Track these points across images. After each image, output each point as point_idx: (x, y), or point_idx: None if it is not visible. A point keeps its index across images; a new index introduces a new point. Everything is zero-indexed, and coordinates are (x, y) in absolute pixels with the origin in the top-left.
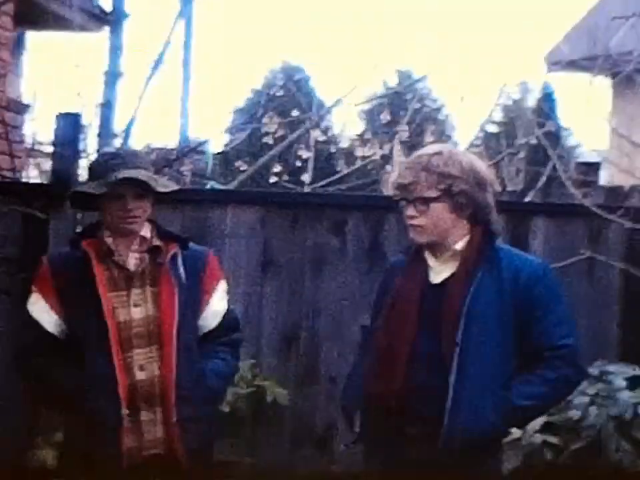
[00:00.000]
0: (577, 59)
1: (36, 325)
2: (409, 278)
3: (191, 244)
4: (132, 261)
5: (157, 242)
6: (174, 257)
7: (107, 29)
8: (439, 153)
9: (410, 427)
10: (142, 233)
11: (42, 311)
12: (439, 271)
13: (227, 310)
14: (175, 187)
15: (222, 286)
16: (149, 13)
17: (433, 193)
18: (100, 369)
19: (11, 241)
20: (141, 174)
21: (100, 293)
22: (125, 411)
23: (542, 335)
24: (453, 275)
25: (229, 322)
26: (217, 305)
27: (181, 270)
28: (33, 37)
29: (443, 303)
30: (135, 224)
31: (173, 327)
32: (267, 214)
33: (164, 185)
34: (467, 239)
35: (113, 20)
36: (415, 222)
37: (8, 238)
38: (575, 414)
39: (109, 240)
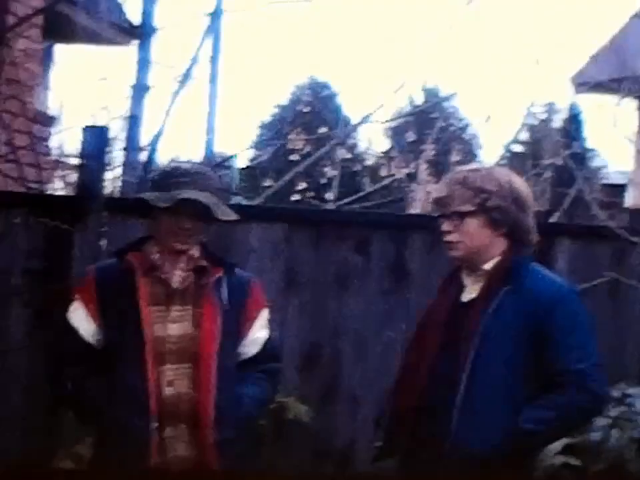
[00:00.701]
0: (604, 80)
1: (74, 332)
2: (443, 296)
3: (237, 269)
4: (176, 278)
5: (203, 262)
6: (219, 280)
7: (135, 42)
8: (476, 170)
9: (422, 444)
10: (190, 252)
11: (81, 319)
12: (470, 290)
13: (268, 339)
14: (235, 217)
15: (264, 314)
16: (177, 28)
17: (467, 207)
18: (133, 381)
19: (36, 253)
20: (205, 197)
21: (140, 305)
22: (154, 425)
23: (556, 359)
24: (479, 293)
25: (268, 351)
26: (257, 333)
27: (225, 294)
28: (60, 50)
29: (463, 323)
30: (186, 244)
31: (213, 348)
32: (291, 230)
33: (225, 213)
34: (497, 259)
35: (141, 34)
36: (450, 237)
37: (33, 250)
38: (596, 436)
39: (156, 255)
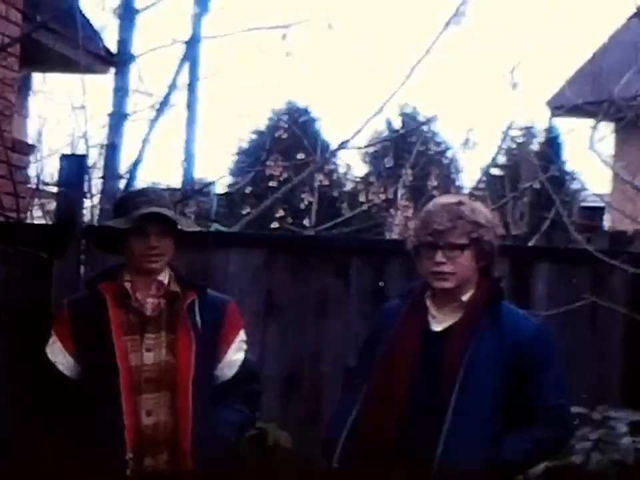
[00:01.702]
0: (581, 103)
1: (52, 367)
2: (409, 323)
3: (212, 292)
4: (148, 305)
5: (175, 288)
6: (192, 304)
7: (112, 70)
8: (462, 202)
9: (397, 469)
10: (160, 278)
11: (58, 353)
12: (441, 320)
13: (245, 360)
14: (197, 228)
15: (240, 336)
16: (155, 55)
17: (464, 240)
18: (108, 412)
19: (14, 282)
20: (167, 211)
21: (113, 336)
22: (129, 455)
23: (537, 394)
24: (455, 324)
25: (246, 373)
26: (233, 355)
27: (198, 318)
28: (38, 78)
29: (443, 352)
30: (157, 262)
31: (189, 375)
32: (270, 256)
33: (187, 224)
34: (472, 291)
35: (118, 62)
36: (443, 268)
37: (11, 279)
38: (577, 459)
39: (127, 284)
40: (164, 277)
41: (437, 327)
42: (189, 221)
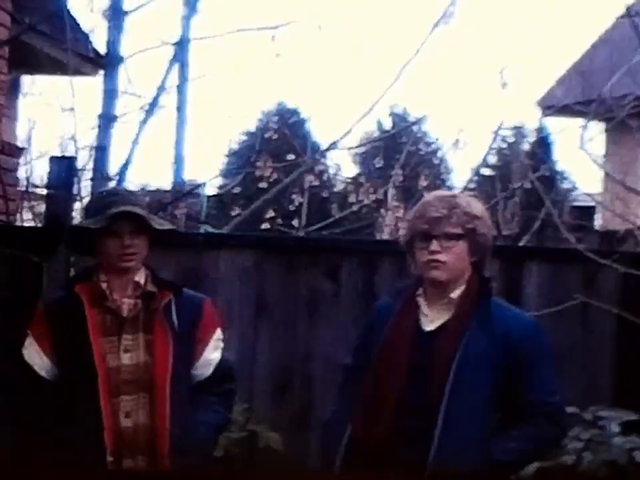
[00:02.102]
0: (571, 103)
1: (29, 368)
2: (401, 323)
3: (189, 291)
4: (125, 306)
5: (151, 288)
6: (168, 304)
7: (101, 72)
8: (457, 195)
9: (390, 471)
10: (136, 279)
11: (34, 355)
12: (433, 319)
13: (221, 360)
14: (170, 226)
15: (217, 335)
16: (144, 57)
17: (460, 230)
18: (87, 414)
19: (5, 284)
20: (138, 210)
21: (91, 337)
22: (109, 458)
23: (529, 392)
24: (446, 323)
25: (222, 372)
26: (210, 354)
27: (174, 318)
28: (27, 81)
29: (433, 352)
30: (131, 261)
31: (166, 375)
32: (260, 258)
33: (160, 222)
34: (462, 288)
35: (107, 63)
36: (439, 257)
37: (1, 281)
38: (569, 459)
39: (104, 284)
40: (140, 277)
41: (428, 327)
42: (161, 220)
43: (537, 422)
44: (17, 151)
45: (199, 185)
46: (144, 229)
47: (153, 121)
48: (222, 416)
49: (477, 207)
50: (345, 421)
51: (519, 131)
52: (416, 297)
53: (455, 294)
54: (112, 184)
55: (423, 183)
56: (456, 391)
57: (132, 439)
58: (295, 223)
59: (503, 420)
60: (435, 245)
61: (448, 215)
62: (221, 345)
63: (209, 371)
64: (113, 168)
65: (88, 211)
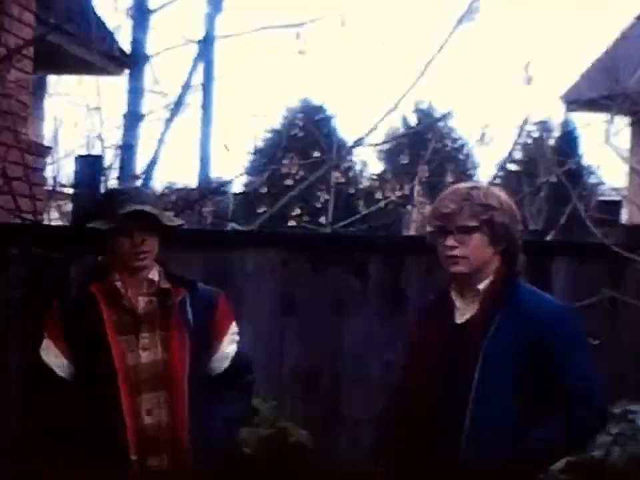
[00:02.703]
0: (596, 97)
1: (47, 369)
2: (435, 318)
3: (201, 286)
4: (140, 304)
5: (165, 284)
6: (183, 300)
7: (127, 71)
8: (477, 187)
9: (432, 464)
10: (150, 276)
11: (52, 355)
12: (464, 311)
13: (238, 352)
14: (181, 222)
15: (232, 329)
16: (169, 55)
17: (474, 222)
18: (108, 414)
19: (32, 283)
20: (148, 208)
21: (109, 337)
22: (133, 457)
23: (561, 377)
24: (474, 314)
25: (239, 364)
26: (226, 348)
27: (190, 314)
28: (53, 80)
29: (464, 344)
30: (144, 260)
31: (184, 372)
32: (287, 255)
33: (170, 219)
34: (490, 278)
35: (133, 62)
36: (455, 252)
37: (29, 280)
38: (597, 453)
39: (118, 283)
40: (154, 275)
41: (460, 319)
42: (171, 216)
43: (570, 408)
44: (44, 151)
45: (226, 183)
46: (155, 227)
47: (178, 120)
48: (242, 409)
49: (494, 196)
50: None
51: (544, 126)
52: (450, 291)
53: (482, 285)
54: (138, 182)
55: (449, 178)
56: (484, 382)
57: (155, 437)
58: (322, 219)
59: (535, 408)
60: (450, 241)
61: (459, 208)
62: (237, 338)
63: (226, 364)
64: (139, 166)
65: (99, 211)
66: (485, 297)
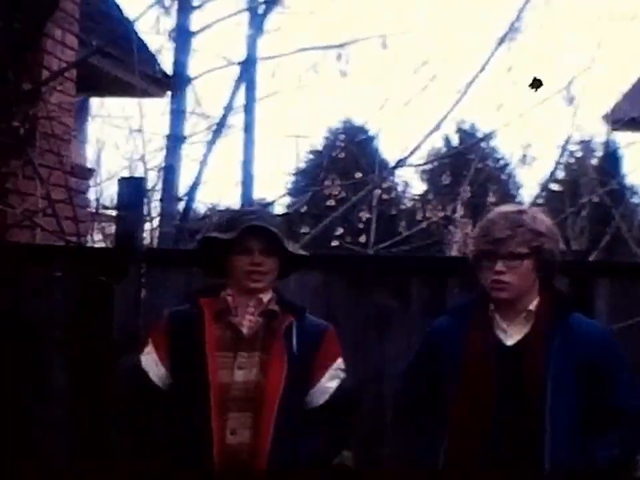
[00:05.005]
0: (637, 116)
1: (144, 375)
2: (479, 340)
3: (312, 317)
4: (246, 322)
5: (274, 307)
6: (289, 327)
7: (169, 93)
8: (525, 211)
9: None
10: (261, 296)
11: (152, 363)
12: (512, 333)
13: (339, 389)
14: (304, 253)
15: (337, 364)
16: (211, 77)
17: (525, 250)
18: (197, 427)
19: (76, 306)
20: (271, 227)
21: (207, 350)
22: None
23: (613, 398)
24: (527, 336)
25: (337, 402)
26: (327, 382)
27: (294, 341)
28: (96, 103)
29: (521, 367)
30: (261, 282)
31: (276, 397)
32: (329, 276)
33: (294, 247)
34: (538, 299)
35: (175, 84)
36: (503, 278)
37: (73, 303)
38: None
39: (229, 298)
40: (265, 297)
41: (509, 341)
42: (296, 245)
43: (623, 427)
44: (87, 173)
45: (268, 204)
46: (276, 250)
47: (221, 141)
48: (328, 445)
49: (543, 222)
50: (433, 453)
51: (586, 146)
52: (489, 312)
53: (532, 305)
54: (181, 204)
55: (492, 199)
56: (555, 407)
57: (234, 457)
58: (363, 239)
59: (588, 430)
60: (499, 266)
61: (513, 234)
62: (341, 375)
63: (324, 398)
64: (181, 188)
65: (220, 227)
66: (538, 317)
